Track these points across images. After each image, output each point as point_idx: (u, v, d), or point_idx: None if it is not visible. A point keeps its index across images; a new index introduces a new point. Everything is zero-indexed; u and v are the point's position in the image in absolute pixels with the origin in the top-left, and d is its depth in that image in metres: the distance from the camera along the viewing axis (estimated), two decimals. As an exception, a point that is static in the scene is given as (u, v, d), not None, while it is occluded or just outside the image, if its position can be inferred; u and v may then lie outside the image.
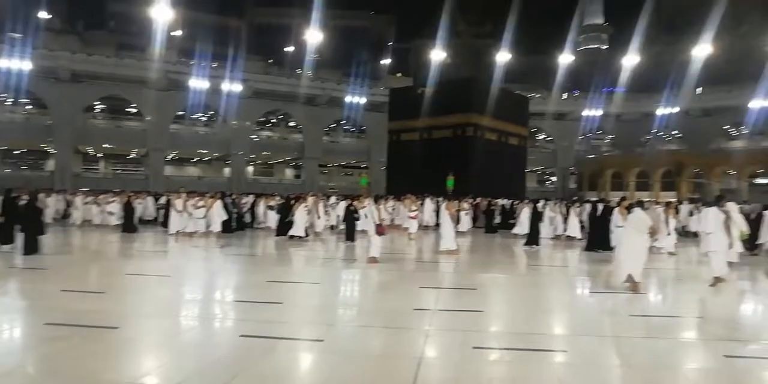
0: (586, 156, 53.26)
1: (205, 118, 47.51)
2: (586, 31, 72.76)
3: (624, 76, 48.55)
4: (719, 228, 8.95)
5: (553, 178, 57.21)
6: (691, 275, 10.53)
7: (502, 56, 46.34)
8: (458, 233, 15.99)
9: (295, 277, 9.61)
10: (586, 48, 71.46)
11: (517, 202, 21.22)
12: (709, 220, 9.14)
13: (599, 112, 51.98)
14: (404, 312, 6.94)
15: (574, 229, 16.57)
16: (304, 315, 6.84)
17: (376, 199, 12.29)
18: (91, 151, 45.75)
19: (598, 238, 13.94)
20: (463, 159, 30.43)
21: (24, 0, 39.46)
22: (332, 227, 18.37)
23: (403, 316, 6.71)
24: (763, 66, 41.21)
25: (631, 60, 47.60)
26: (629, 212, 9.14)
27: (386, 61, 61.45)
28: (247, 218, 19.36)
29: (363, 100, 48.09)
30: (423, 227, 18.53)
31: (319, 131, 49.42)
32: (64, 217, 21.62)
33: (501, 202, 22.54)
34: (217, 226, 16.06)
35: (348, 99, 47.58)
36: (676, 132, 52.02)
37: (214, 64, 44.86)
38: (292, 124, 50.79)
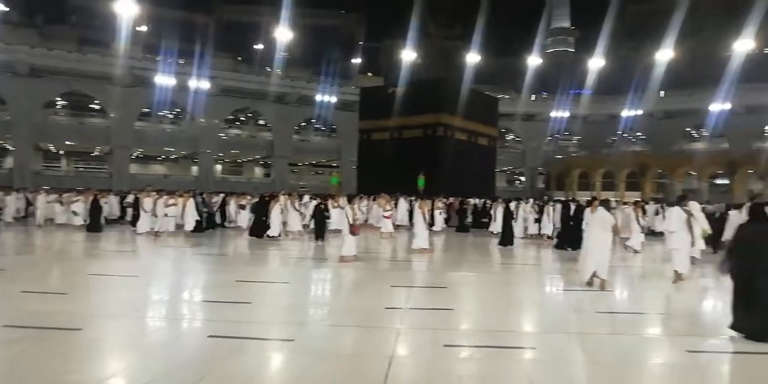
0: (554, 156, 54.24)
1: (171, 116, 46.62)
2: (554, 35, 74.13)
3: (590, 79, 49.64)
4: (682, 227, 9.23)
5: (522, 178, 58.07)
6: (655, 273, 10.79)
7: (472, 58, 46.80)
8: (432, 232, 16.09)
9: (265, 277, 9.48)
10: (553, 51, 72.76)
11: (489, 201, 21.44)
12: (672, 219, 9.42)
13: (566, 114, 53.03)
14: (375, 311, 6.93)
15: (549, 228, 16.66)
16: (273, 315, 6.75)
17: (350, 199, 12.26)
18: (52, 148, 44.39)
19: (569, 236, 14.16)
20: (433, 158, 30.59)
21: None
22: (305, 226, 18.26)
23: (374, 315, 6.69)
24: (723, 70, 42.64)
25: (596, 63, 48.75)
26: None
27: (357, 61, 61.38)
28: (218, 218, 19.07)
29: (333, 99, 47.94)
30: (396, 226, 18.54)
31: (289, 130, 49.04)
32: (25, 216, 20.90)
33: (473, 201, 22.76)
34: (190, 225, 15.75)
35: (318, 98, 47.35)
36: (640, 134, 53.44)
37: (181, 61, 44.07)
38: (261, 122, 50.26)
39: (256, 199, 17.83)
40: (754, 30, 40.50)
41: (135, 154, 45.97)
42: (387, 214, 17.21)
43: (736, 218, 12.23)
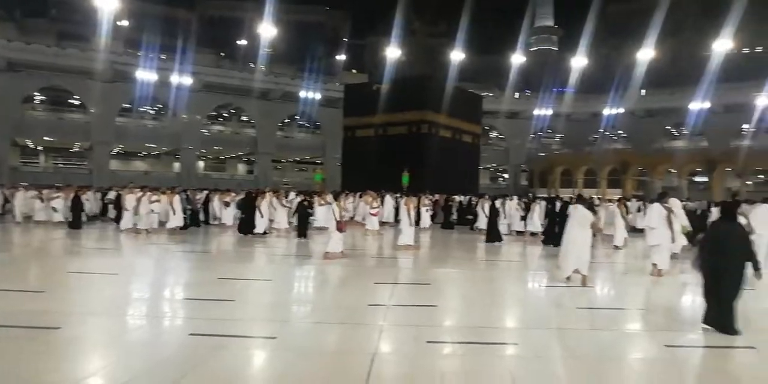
0: (537, 154, 54.68)
1: (153, 112, 46.09)
2: (537, 33, 74.53)
3: (573, 77, 50.18)
4: (662, 223, 9.40)
5: (506, 175, 58.45)
6: (636, 269, 10.93)
7: (456, 55, 46.93)
8: (418, 229, 16.15)
9: (248, 274, 9.41)
10: (537, 49, 73.18)
11: (475, 198, 21.51)
12: (652, 215, 9.58)
13: (550, 112, 53.45)
14: (359, 308, 6.92)
15: (536, 225, 16.64)
16: (256, 312, 6.72)
17: (336, 196, 12.25)
18: (30, 144, 43.58)
19: (555, 233, 14.26)
20: (418, 156, 30.59)
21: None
22: (290, 223, 18.18)
23: (357, 312, 6.69)
24: (702, 70, 43.32)
25: (579, 62, 49.23)
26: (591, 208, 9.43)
27: (341, 57, 61.20)
28: (201, 215, 18.89)
29: (318, 96, 47.78)
30: (382, 223, 18.53)
31: (273, 126, 48.76)
32: (2, 213, 20.51)
33: (458, 198, 22.83)
34: (175, 222, 15.62)
35: (302, 94, 47.16)
36: (621, 132, 54.10)
37: (163, 56, 43.54)
38: (244, 118, 49.92)
39: (242, 196, 17.70)
40: (732, 30, 41.21)
41: (115, 151, 45.36)
42: (374, 211, 17.19)
43: (718, 215, 12.43)
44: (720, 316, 5.85)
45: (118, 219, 16.81)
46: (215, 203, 19.20)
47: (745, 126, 46.27)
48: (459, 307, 7.44)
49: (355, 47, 64.76)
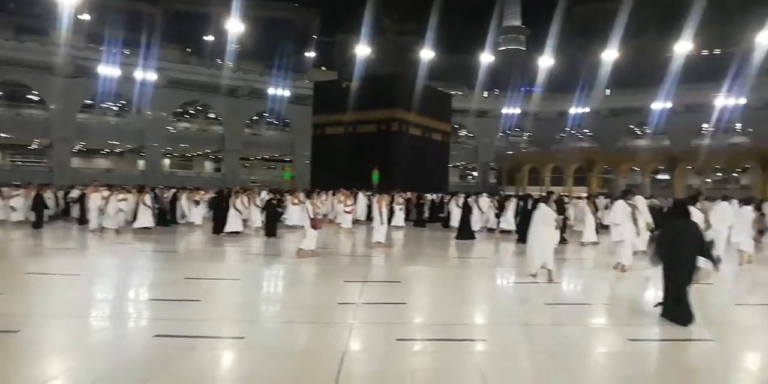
0: (506, 152, 55.37)
1: (116, 108, 44.94)
2: (505, 33, 75.43)
3: (540, 77, 50.97)
4: (626, 220, 9.64)
5: (475, 173, 59.02)
6: (602, 264, 11.15)
7: (426, 54, 47.15)
8: (392, 227, 16.15)
9: (217, 274, 9.26)
10: (505, 48, 74.08)
11: (447, 196, 21.64)
12: (616, 212, 9.81)
13: (518, 111, 54.16)
14: (328, 306, 6.89)
15: (511, 223, 16.68)
16: (224, 312, 6.60)
17: (309, 194, 12.20)
18: (-15, 141, 42.05)
19: (526, 231, 14.38)
20: (387, 153, 30.66)
21: None
22: (263, 222, 17.94)
23: (327, 311, 6.65)
24: (664, 70, 44.58)
25: (546, 61, 50.06)
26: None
27: (311, 54, 60.84)
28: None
29: (287, 93, 47.36)
30: (354, 221, 18.48)
31: (241, 123, 48.14)
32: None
33: (430, 196, 22.93)
34: (146, 221, 15.26)
35: (271, 91, 46.67)
36: (587, 131, 55.15)
37: (127, 51, 42.49)
38: (211, 115, 49.13)
39: (213, 195, 17.39)
40: (692, 33, 42.54)
41: (77, 148, 44.09)
42: (348, 209, 17.20)
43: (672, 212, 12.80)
44: (676, 308, 6.10)
45: (81, 218, 16.33)
46: (183, 202, 18.81)
47: (704, 125, 47.70)
48: (429, 304, 7.46)
49: (325, 44, 64.47)
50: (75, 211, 19.02)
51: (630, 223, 9.73)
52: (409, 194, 22.96)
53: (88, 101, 41.37)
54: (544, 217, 8.97)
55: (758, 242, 12.57)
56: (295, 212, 16.81)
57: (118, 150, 48.23)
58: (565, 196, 20.78)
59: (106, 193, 15.37)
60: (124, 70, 39.97)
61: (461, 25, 59.89)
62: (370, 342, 5.45)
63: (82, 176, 34.85)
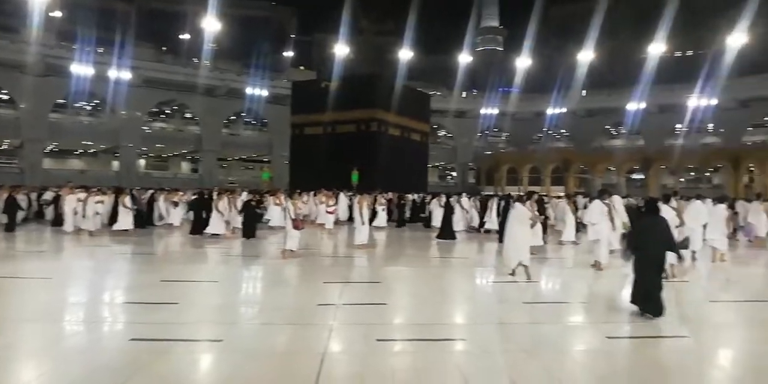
0: (484, 152, 55.82)
1: (90, 107, 44.09)
2: (483, 33, 75.86)
3: (518, 78, 51.48)
4: (603, 219, 9.78)
5: (454, 173, 59.35)
6: (580, 263, 11.27)
7: (405, 54, 47.23)
8: (375, 228, 16.12)
9: (194, 276, 9.12)
10: (483, 49, 74.52)
11: (429, 196, 21.72)
12: (593, 211, 9.95)
13: (496, 111, 54.65)
14: (308, 308, 6.84)
15: (495, 222, 16.65)
16: (202, 315, 6.50)
17: (290, 195, 12.15)
18: (-47, 141, 40.92)
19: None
20: (367, 154, 30.62)
21: None
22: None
23: (307, 312, 6.60)
24: (639, 72, 45.39)
25: (524, 62, 50.55)
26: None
27: (289, 54, 60.42)
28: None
29: (265, 93, 47.04)
30: (335, 222, 18.42)
31: (218, 123, 47.67)
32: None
33: (411, 196, 22.98)
34: (126, 223, 14.97)
35: (249, 91, 46.33)
36: (564, 131, 55.88)
37: (100, 50, 41.69)
38: (188, 115, 48.55)
39: (194, 196, 17.13)
40: (665, 35, 43.40)
41: (49, 148, 43.15)
42: (330, 209, 17.17)
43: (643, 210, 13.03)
44: (647, 301, 6.32)
45: (56, 221, 15.95)
46: (161, 203, 18.48)
47: (678, 126, 48.68)
48: (409, 304, 7.45)
49: (303, 44, 64.08)
50: (49, 213, 18.58)
51: (606, 222, 9.88)
52: (390, 195, 22.98)
53: (61, 101, 40.58)
54: (520, 216, 9.10)
55: (732, 239, 12.86)
56: (277, 213, 16.70)
57: (91, 150, 47.36)
58: (545, 195, 20.99)
59: (82, 195, 15.06)
60: (98, 68, 39.28)
61: (439, 26, 60.11)
62: (351, 343, 5.42)
63: (54, 177, 34.10)
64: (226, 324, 6.08)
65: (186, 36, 53.22)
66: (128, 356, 4.83)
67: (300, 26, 64.43)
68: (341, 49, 46.38)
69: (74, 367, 4.55)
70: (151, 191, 19.52)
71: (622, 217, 10.94)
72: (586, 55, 47.58)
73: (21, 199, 17.97)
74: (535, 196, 11.09)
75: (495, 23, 78.08)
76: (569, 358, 5.16)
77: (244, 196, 18.48)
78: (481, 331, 5.97)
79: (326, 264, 11.31)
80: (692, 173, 48.41)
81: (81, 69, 38.46)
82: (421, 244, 15.17)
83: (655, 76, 45.23)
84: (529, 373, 4.65)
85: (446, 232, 15.35)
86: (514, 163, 50.21)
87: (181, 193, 18.90)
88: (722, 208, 11.60)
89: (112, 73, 39.91)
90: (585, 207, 18.78)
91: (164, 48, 52.90)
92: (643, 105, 47.52)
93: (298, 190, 21.65)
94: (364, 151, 30.76)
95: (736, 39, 39.74)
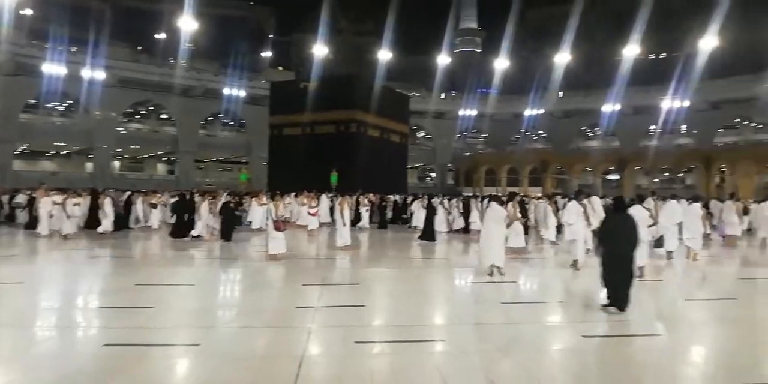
0: (463, 153, 56.12)
1: (62, 108, 43.19)
2: (462, 35, 76.35)
3: (496, 79, 51.89)
4: (579, 219, 9.91)
5: (433, 175, 59.54)
6: (558, 263, 11.38)
7: (384, 55, 47.27)
8: (358, 229, 16.10)
9: (171, 279, 8.98)
10: (461, 50, 75.00)
11: (410, 197, 21.74)
12: (570, 212, 10.08)
13: (474, 112, 54.95)
14: (286, 310, 6.80)
15: (479, 223, 16.85)
16: (178, 319, 6.41)
17: (273, 196, 12.07)
18: None
19: None
20: (346, 155, 30.55)
21: None
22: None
23: (285, 315, 6.56)
24: (614, 73, 46.13)
25: (502, 64, 50.99)
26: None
27: (267, 54, 60.07)
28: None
29: (242, 93, 46.63)
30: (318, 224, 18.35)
31: (195, 124, 47.11)
32: None
33: (393, 197, 22.99)
34: (106, 226, 14.71)
35: (226, 91, 45.89)
36: (541, 132, 56.47)
37: (73, 49, 40.88)
38: (164, 116, 47.87)
39: (175, 198, 16.85)
40: (640, 37, 44.21)
41: (20, 150, 42.14)
42: (313, 211, 17.10)
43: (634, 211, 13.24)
44: (618, 296, 6.51)
45: (30, 224, 15.56)
46: (138, 205, 18.12)
47: (652, 127, 49.55)
48: (387, 306, 7.45)
49: (281, 44, 63.77)
50: (22, 216, 18.11)
51: (583, 222, 10.00)
52: (371, 196, 22.96)
53: (32, 101, 39.64)
54: (496, 216, 9.15)
55: (706, 239, 13.10)
56: (259, 215, 16.58)
57: (64, 152, 46.38)
58: (525, 196, 21.17)
59: (58, 197, 14.73)
60: (71, 68, 38.50)
61: (418, 27, 60.38)
62: (329, 345, 5.40)
63: (24, 180, 33.31)
64: (203, 328, 6.00)
65: (162, 35, 52.54)
66: (102, 362, 4.74)
67: (278, 26, 64.20)
68: (320, 50, 46.23)
69: (45, 374, 4.45)
70: (128, 193, 19.19)
71: (599, 217, 11.06)
72: (562, 57, 48.24)
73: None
74: (517, 198, 11.18)
75: (473, 25, 78.65)
76: (546, 357, 5.21)
77: (225, 197, 18.30)
78: (460, 331, 5.99)
79: (307, 266, 11.24)
80: (666, 174, 49.30)
81: (53, 68, 37.66)
82: (403, 245, 15.18)
83: (629, 78, 46.04)
84: (507, 372, 4.70)
85: (427, 233, 15.39)
86: (493, 164, 50.59)
87: (159, 195, 18.60)
88: (697, 207, 11.81)
89: (86, 73, 39.14)
90: (564, 207, 19.07)
91: (140, 47, 52.17)
92: (618, 106, 48.25)
93: (278, 192, 21.52)
94: (344, 152, 30.70)
95: (708, 42, 40.64)
